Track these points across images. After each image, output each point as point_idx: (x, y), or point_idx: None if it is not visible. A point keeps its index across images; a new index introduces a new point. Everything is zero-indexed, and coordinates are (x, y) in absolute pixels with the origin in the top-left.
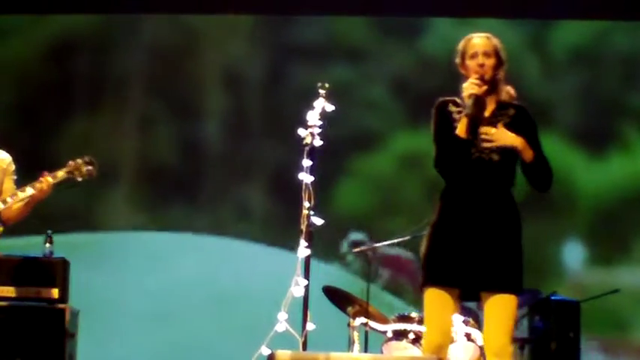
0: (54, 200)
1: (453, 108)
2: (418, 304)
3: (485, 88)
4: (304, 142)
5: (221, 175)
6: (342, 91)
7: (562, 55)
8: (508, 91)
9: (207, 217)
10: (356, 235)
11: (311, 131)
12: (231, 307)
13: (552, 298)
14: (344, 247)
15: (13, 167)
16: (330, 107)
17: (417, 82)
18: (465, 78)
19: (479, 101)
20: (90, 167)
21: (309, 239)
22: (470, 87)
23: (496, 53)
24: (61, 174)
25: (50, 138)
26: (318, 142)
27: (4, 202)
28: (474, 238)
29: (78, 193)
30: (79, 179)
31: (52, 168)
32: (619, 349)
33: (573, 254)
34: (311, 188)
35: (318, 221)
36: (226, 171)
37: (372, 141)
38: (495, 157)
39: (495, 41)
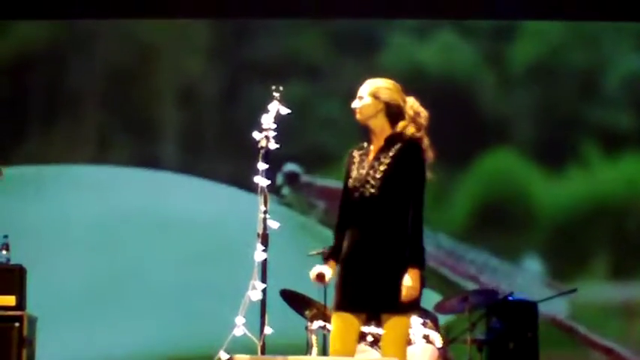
0: None
1: (355, 153)
2: None
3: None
4: (259, 146)
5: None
6: (299, 108)
7: (519, 70)
8: (405, 125)
9: None
10: (290, 167)
11: (266, 134)
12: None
13: (510, 298)
14: (278, 179)
15: None
16: (284, 110)
17: None
18: None
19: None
20: None
21: (265, 243)
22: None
23: (371, 94)
24: None
25: (4, 156)
26: (273, 146)
27: None
28: (358, 268)
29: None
30: None
31: None
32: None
33: (532, 270)
34: (266, 191)
35: (274, 224)
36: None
37: (329, 157)
38: (374, 191)
39: (376, 84)
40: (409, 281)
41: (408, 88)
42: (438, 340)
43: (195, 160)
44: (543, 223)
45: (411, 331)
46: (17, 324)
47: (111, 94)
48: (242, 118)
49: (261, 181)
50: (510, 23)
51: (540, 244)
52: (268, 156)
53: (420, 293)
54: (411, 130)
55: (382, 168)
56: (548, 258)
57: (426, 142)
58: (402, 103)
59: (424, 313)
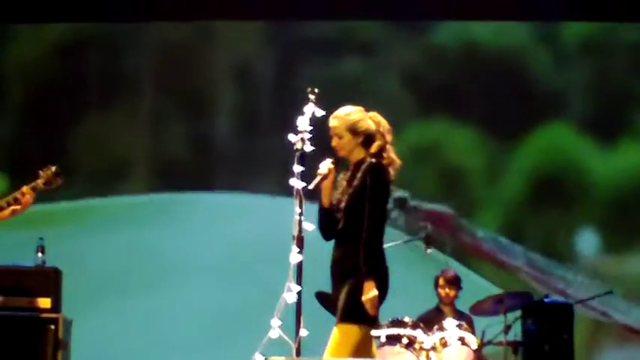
0: None
1: (340, 176)
2: (457, 255)
3: (331, 171)
4: (295, 148)
5: (232, 169)
6: (354, 84)
7: (572, 46)
8: (378, 145)
9: None
10: (400, 193)
11: (301, 137)
12: None
13: (545, 300)
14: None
15: None
16: (319, 112)
17: (427, 75)
18: None
19: (325, 177)
20: (58, 177)
21: (300, 245)
22: (321, 167)
23: (349, 130)
24: (40, 184)
25: (63, 136)
26: (308, 148)
27: None
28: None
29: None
30: (53, 187)
31: (65, 165)
32: (633, 336)
33: (587, 242)
34: (302, 194)
35: (309, 227)
36: (237, 165)
37: None
38: (340, 216)
39: (349, 119)
40: (364, 292)
41: (460, 65)
42: (473, 341)
43: (250, 140)
44: (597, 196)
45: (446, 333)
46: (53, 326)
47: (167, 77)
48: (297, 96)
49: (297, 184)
50: None
51: (595, 216)
52: (304, 158)
53: (377, 301)
54: (375, 148)
55: (347, 197)
56: (602, 230)
57: (388, 157)
58: (374, 127)
59: (459, 315)
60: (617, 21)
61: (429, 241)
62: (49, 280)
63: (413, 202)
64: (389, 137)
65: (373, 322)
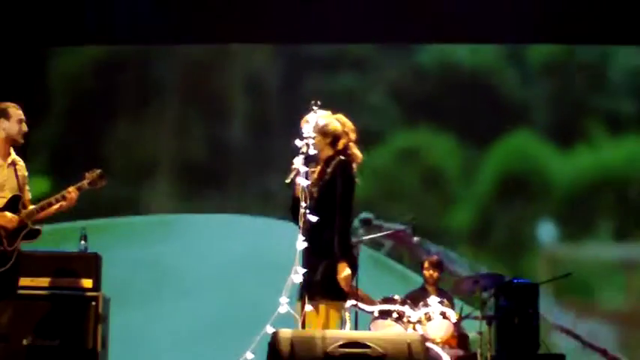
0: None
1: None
2: (413, 267)
3: (294, 170)
4: (300, 151)
5: (246, 167)
6: (348, 96)
7: (536, 66)
8: (344, 143)
9: (234, 204)
10: (365, 214)
11: (306, 142)
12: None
13: (514, 281)
14: (355, 223)
15: (26, 174)
16: (322, 121)
17: (412, 89)
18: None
19: (298, 172)
20: (102, 179)
21: (305, 234)
22: (295, 163)
23: (319, 132)
24: (85, 185)
25: (100, 140)
26: (312, 151)
27: (32, 213)
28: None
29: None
30: (97, 188)
31: (101, 166)
32: (588, 312)
33: (547, 233)
34: (307, 191)
35: (313, 218)
36: (250, 164)
37: (373, 139)
38: (313, 204)
39: (320, 122)
40: (338, 272)
41: (441, 81)
42: (453, 316)
43: (260, 141)
44: (556, 193)
45: (430, 308)
46: (94, 303)
47: (189, 87)
48: (300, 104)
49: (302, 182)
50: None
51: (554, 210)
52: (309, 159)
53: (350, 279)
54: (340, 145)
55: (317, 188)
56: (561, 222)
57: (352, 153)
58: (340, 128)
59: (442, 294)
60: (576, 43)
61: (414, 231)
62: (90, 263)
63: (376, 222)
64: (353, 136)
65: (346, 298)
